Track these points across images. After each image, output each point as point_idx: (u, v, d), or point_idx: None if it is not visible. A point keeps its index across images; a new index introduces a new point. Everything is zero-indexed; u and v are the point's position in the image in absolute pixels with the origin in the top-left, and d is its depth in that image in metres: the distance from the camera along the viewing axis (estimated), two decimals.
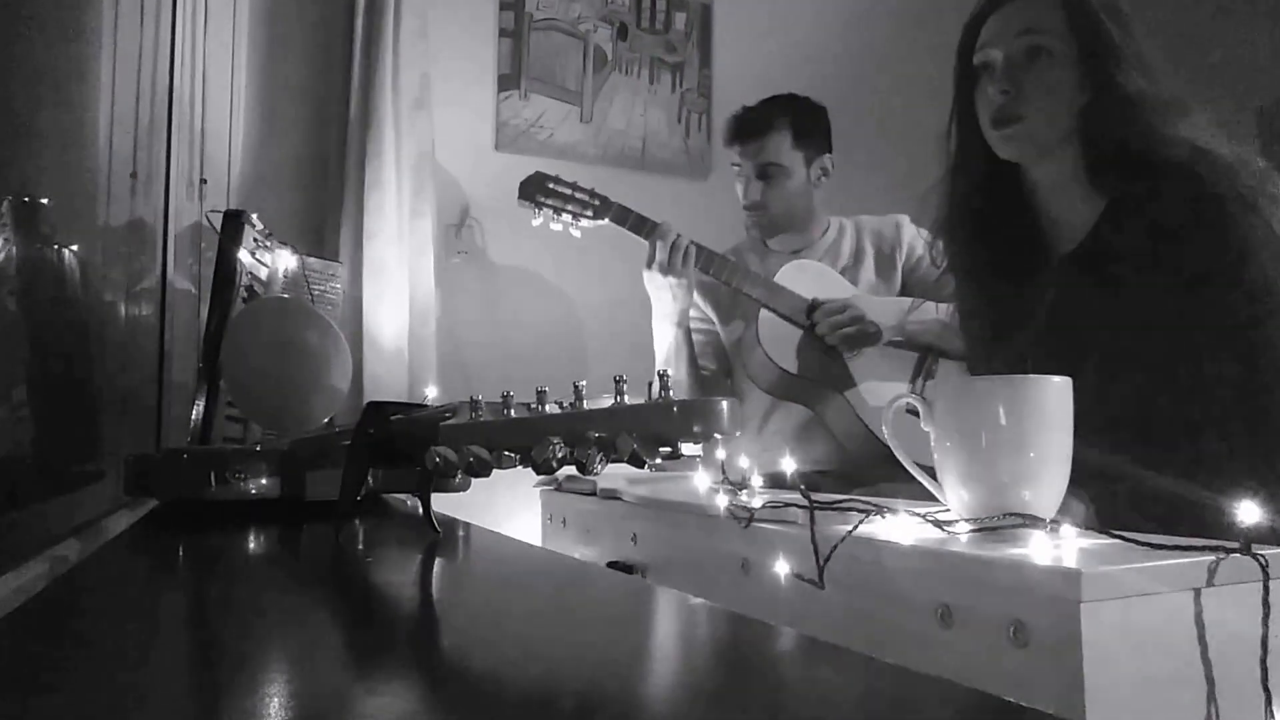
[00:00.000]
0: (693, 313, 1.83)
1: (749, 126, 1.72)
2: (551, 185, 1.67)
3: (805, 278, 1.66)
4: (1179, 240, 0.96)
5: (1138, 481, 0.92)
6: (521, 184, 1.69)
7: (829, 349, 1.60)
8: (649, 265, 1.62)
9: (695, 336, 1.80)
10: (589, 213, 1.67)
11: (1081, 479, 0.84)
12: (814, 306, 1.60)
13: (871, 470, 1.56)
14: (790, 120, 1.72)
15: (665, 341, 1.70)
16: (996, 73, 1.06)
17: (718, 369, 1.80)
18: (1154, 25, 1.07)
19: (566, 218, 1.67)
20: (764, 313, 1.62)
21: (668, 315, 1.67)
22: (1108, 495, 0.88)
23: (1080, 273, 1.05)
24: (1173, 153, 0.97)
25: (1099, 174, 1.04)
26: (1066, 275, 1.07)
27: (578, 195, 1.67)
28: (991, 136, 1.08)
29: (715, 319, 1.81)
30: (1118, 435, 0.95)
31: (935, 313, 1.56)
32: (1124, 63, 1.00)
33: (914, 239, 1.77)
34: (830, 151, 1.78)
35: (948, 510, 0.76)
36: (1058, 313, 1.06)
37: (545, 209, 1.67)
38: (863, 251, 1.78)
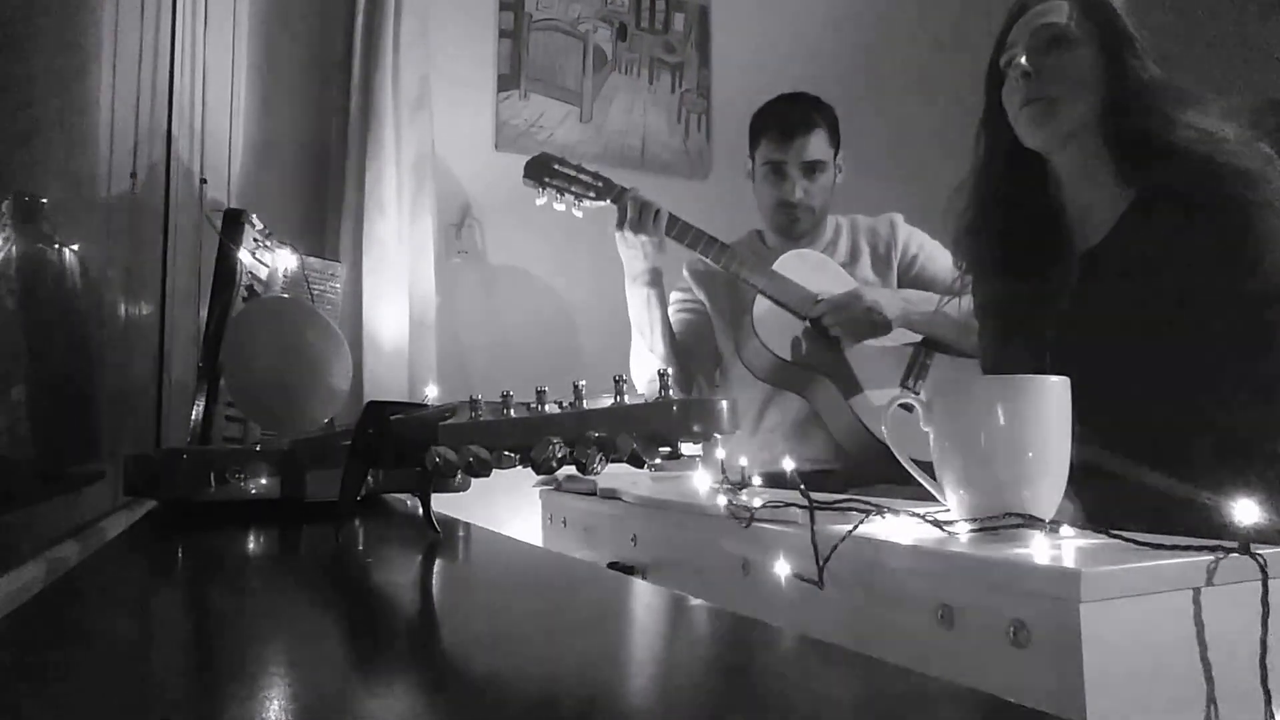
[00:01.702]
0: (684, 294, 1.84)
1: (793, 124, 1.72)
2: (556, 166, 1.70)
3: (805, 267, 1.66)
4: (1199, 238, 0.97)
5: (1136, 480, 0.92)
6: (527, 164, 1.70)
7: (828, 341, 1.60)
8: (619, 226, 1.65)
9: (683, 315, 1.82)
10: (591, 194, 1.69)
11: (1072, 477, 0.84)
12: (822, 302, 1.60)
13: (869, 469, 1.56)
14: (822, 117, 1.74)
15: (637, 302, 1.70)
16: (1020, 62, 1.09)
17: (703, 353, 1.81)
18: (1167, 15, 1.10)
19: (569, 198, 1.69)
20: (759, 300, 1.63)
21: (638, 276, 1.68)
22: (1093, 493, 0.89)
23: (1101, 270, 1.06)
24: (1187, 137, 0.99)
25: (1124, 163, 1.06)
26: (1088, 272, 1.08)
27: (581, 177, 1.69)
28: (1019, 120, 1.10)
29: (706, 302, 1.82)
30: (1129, 432, 0.95)
31: (951, 309, 1.56)
32: (1139, 51, 1.03)
33: (909, 237, 1.78)
34: (841, 149, 1.80)
35: (947, 510, 0.76)
36: (1077, 309, 1.07)
37: (549, 189, 1.69)
38: (859, 250, 1.78)
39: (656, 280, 1.69)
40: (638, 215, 1.62)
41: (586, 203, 1.70)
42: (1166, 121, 1.01)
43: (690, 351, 1.79)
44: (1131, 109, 1.03)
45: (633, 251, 1.66)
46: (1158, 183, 1.03)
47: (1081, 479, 0.87)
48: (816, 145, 1.71)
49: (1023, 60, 1.08)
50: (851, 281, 1.70)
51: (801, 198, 1.72)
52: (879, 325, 1.57)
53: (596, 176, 1.70)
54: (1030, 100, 1.08)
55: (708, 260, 1.68)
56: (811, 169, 1.71)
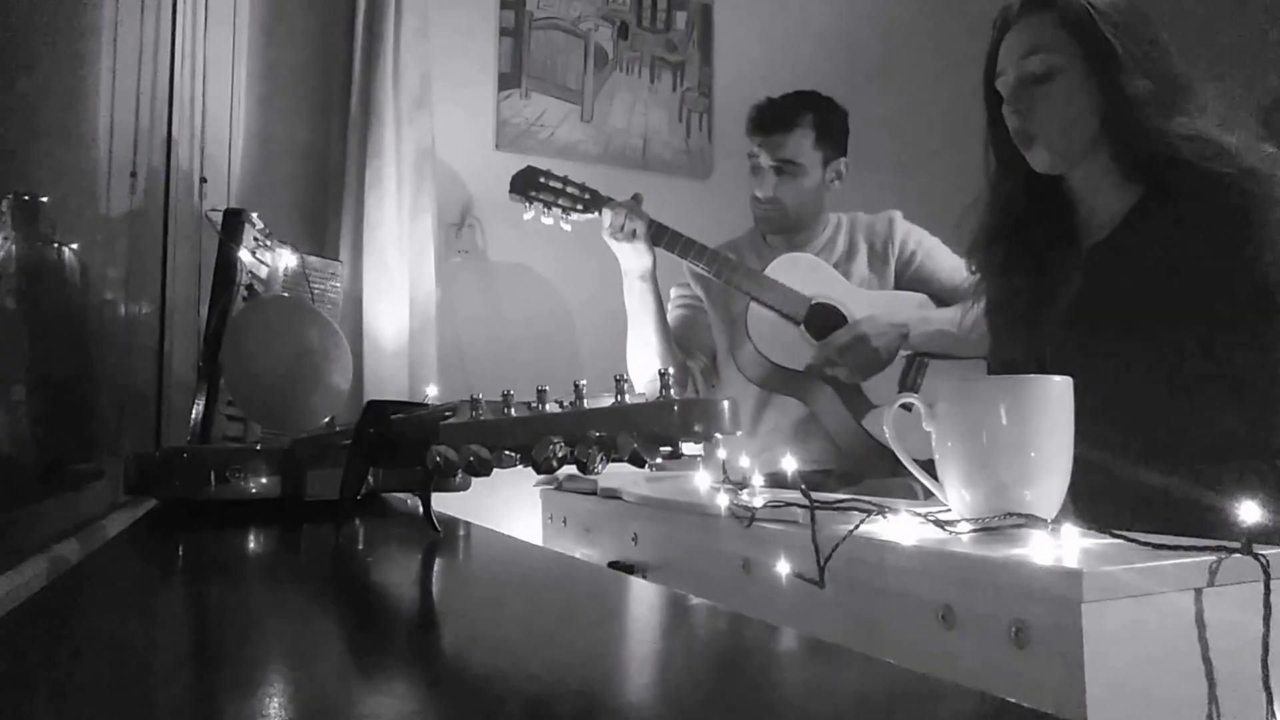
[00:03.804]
0: (683, 291, 1.85)
1: (773, 120, 1.72)
2: (542, 179, 1.69)
3: (798, 271, 1.66)
4: (1201, 233, 0.98)
5: (1136, 479, 0.92)
6: (513, 178, 1.69)
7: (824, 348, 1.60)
8: (605, 230, 1.67)
9: (681, 311, 1.83)
10: (579, 207, 1.68)
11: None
12: (814, 312, 1.60)
13: (869, 471, 1.56)
14: (814, 119, 1.72)
15: (632, 296, 1.71)
16: (1008, 96, 1.10)
17: (700, 349, 1.81)
18: (1160, 17, 1.08)
19: (557, 212, 1.68)
20: (753, 306, 1.62)
21: (631, 271, 1.70)
22: (1084, 489, 0.89)
23: (1107, 263, 1.07)
24: (1183, 147, 1.00)
25: (1129, 169, 1.07)
26: (1094, 266, 1.09)
27: (569, 190, 1.69)
28: (1024, 151, 1.11)
29: (705, 300, 1.82)
30: (1127, 428, 0.95)
31: (946, 317, 1.57)
32: (1124, 68, 1.02)
33: (906, 234, 1.78)
34: (845, 155, 1.78)
35: (949, 510, 0.76)
36: (1083, 303, 1.08)
37: (536, 203, 1.68)
38: (856, 247, 1.78)
39: (650, 275, 1.70)
40: (619, 228, 1.64)
41: (575, 215, 1.69)
42: (1160, 134, 1.01)
43: (686, 346, 1.79)
44: (1126, 127, 1.03)
45: (624, 247, 1.67)
46: (1162, 184, 1.03)
47: (1080, 478, 0.87)
48: (794, 145, 1.70)
49: (1010, 96, 1.09)
50: (846, 283, 1.69)
51: (769, 194, 1.72)
52: (887, 359, 1.57)
53: (584, 189, 1.69)
54: (1020, 141, 1.09)
55: (699, 268, 1.69)
56: (782, 168, 1.71)
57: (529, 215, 1.70)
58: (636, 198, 1.68)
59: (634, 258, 1.67)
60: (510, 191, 1.69)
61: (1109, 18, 1.04)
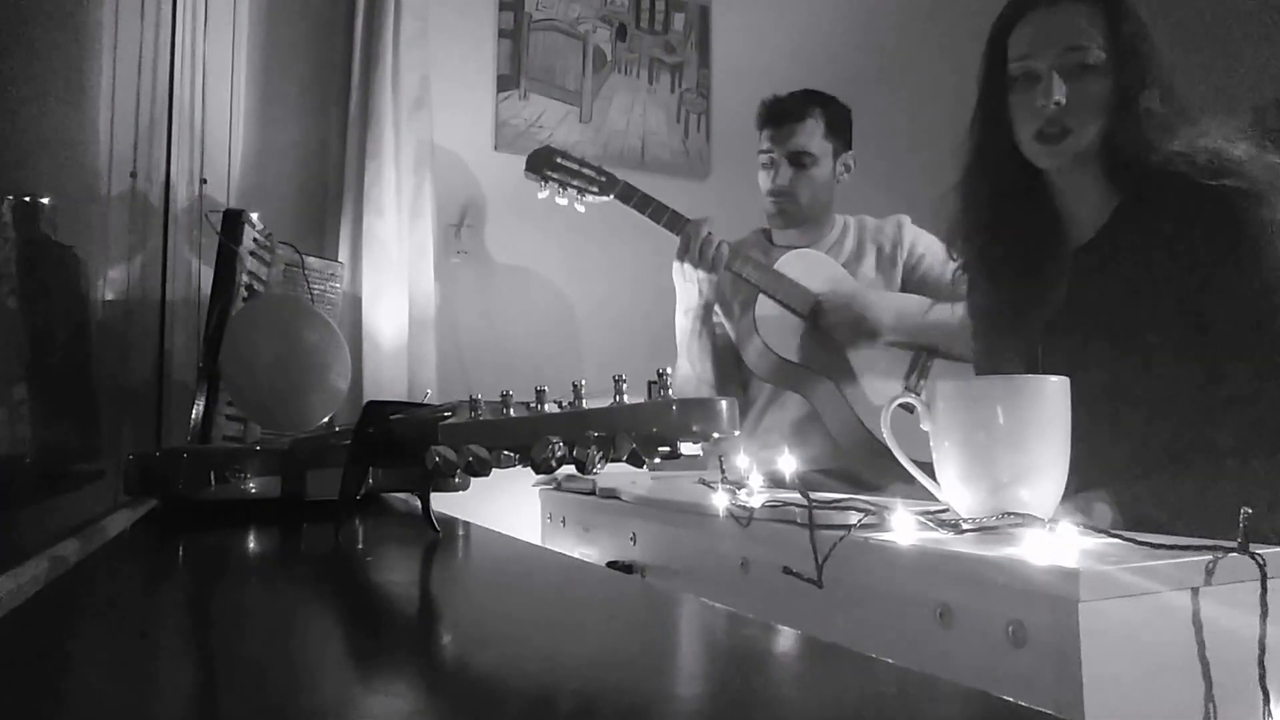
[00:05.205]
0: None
1: (784, 113, 1.73)
2: (559, 160, 1.69)
3: (805, 266, 1.66)
4: (1191, 235, 0.97)
5: (1159, 479, 0.92)
6: (529, 156, 1.69)
7: (829, 340, 1.60)
8: (679, 257, 1.63)
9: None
10: (594, 188, 1.68)
11: (1101, 478, 0.84)
12: (819, 302, 1.60)
13: (870, 470, 1.56)
14: (824, 111, 1.73)
15: (687, 334, 1.70)
16: (1044, 85, 1.04)
17: (729, 363, 1.80)
18: (1158, 19, 1.07)
19: (572, 192, 1.68)
20: (761, 300, 1.63)
21: (691, 309, 1.67)
22: (1129, 495, 0.88)
23: (1093, 266, 1.06)
24: (1178, 162, 0.99)
25: (1117, 176, 1.05)
26: (1080, 268, 1.08)
27: (585, 171, 1.68)
28: (1034, 149, 1.07)
29: (721, 315, 1.82)
30: (1125, 429, 0.95)
31: (945, 314, 1.57)
32: (1148, 80, 1.01)
33: (915, 239, 1.78)
34: (851, 150, 1.79)
35: (946, 510, 0.76)
36: (1070, 306, 1.07)
37: (552, 182, 1.68)
38: (864, 248, 1.78)
39: (708, 315, 1.68)
40: (699, 252, 1.59)
41: (589, 197, 1.69)
42: (1158, 149, 0.99)
43: (727, 372, 1.78)
44: (1125, 135, 1.01)
45: (689, 286, 1.64)
46: (1146, 192, 1.02)
47: (1111, 481, 0.87)
48: (805, 135, 1.71)
49: (1048, 86, 1.03)
50: (853, 282, 1.69)
51: (783, 185, 1.72)
52: (868, 332, 1.58)
53: (600, 171, 1.69)
54: (1051, 135, 1.04)
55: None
56: (797, 159, 1.71)
57: (543, 195, 1.69)
58: (700, 222, 1.61)
59: (696, 294, 1.63)
60: (526, 169, 1.69)
61: (1148, 27, 1.03)
